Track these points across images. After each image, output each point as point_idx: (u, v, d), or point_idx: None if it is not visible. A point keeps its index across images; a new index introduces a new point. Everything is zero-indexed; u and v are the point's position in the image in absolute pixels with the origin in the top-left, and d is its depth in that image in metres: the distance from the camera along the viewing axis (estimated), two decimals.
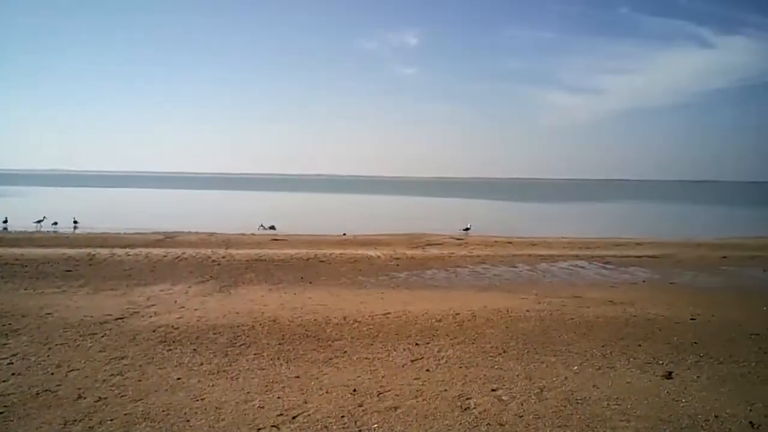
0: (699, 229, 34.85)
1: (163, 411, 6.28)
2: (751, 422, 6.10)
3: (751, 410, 6.43)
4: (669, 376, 7.58)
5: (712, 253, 21.87)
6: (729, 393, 6.97)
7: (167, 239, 23.66)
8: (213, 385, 7.08)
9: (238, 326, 9.83)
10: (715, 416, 6.25)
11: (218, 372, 7.58)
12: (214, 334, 9.36)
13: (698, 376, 7.58)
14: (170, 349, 8.49)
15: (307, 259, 18.31)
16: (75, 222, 31.45)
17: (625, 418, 6.18)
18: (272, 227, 30.65)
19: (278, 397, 6.69)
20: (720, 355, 8.51)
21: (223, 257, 18.34)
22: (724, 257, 20.65)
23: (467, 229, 29.97)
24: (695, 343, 9.13)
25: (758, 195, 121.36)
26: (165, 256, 18.23)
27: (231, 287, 13.63)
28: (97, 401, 6.52)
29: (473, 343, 9.04)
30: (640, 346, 8.96)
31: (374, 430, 5.89)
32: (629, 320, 10.60)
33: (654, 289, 14.37)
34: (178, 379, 7.29)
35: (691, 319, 10.76)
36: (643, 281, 15.77)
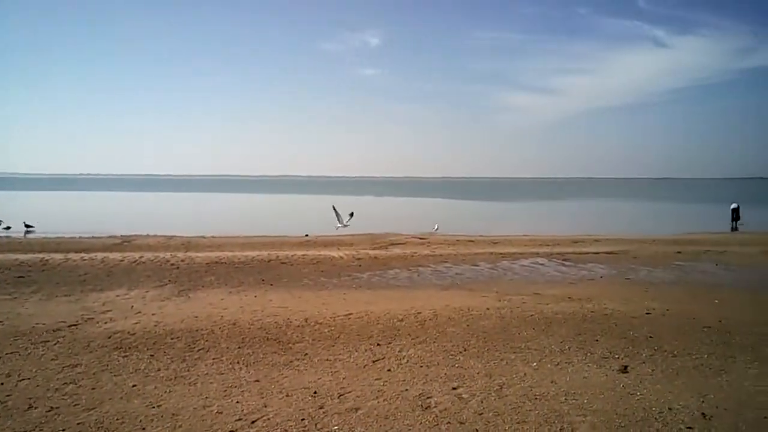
0: (655, 226, 35.71)
1: (117, 419, 6.14)
2: (703, 413, 6.27)
3: (703, 402, 6.61)
4: (625, 370, 7.74)
5: (667, 248, 22.43)
6: (682, 385, 7.16)
7: (125, 243, 23.14)
8: (170, 391, 6.96)
9: (196, 330, 9.68)
10: (669, 408, 6.40)
11: (176, 378, 7.45)
12: (172, 339, 9.20)
13: (653, 370, 7.76)
14: (126, 356, 8.32)
15: (269, 261, 18.14)
16: (29, 226, 30.54)
17: (581, 412, 6.29)
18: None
19: (237, 402, 6.61)
20: (674, 348, 8.73)
21: (183, 260, 18.04)
22: (679, 252, 21.20)
23: (436, 229, 30.01)
24: (650, 337, 9.35)
25: (713, 192, 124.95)
26: (122, 261, 17.83)
27: (190, 291, 13.42)
28: (49, 411, 6.34)
29: (435, 342, 9.08)
30: (597, 341, 9.13)
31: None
32: (587, 316, 10.79)
33: (611, 285, 14.67)
34: (134, 386, 7.14)
35: (647, 313, 11.02)
36: (601, 277, 16.08)
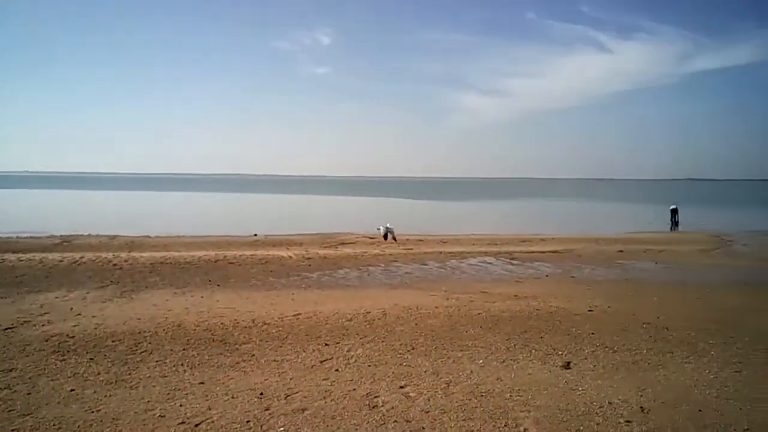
0: (598, 225, 36.70)
1: (54, 425, 5.92)
2: (641, 407, 6.47)
3: (641, 396, 6.83)
4: (568, 366, 7.93)
5: (610, 247, 23.11)
6: (621, 380, 7.37)
7: (65, 243, 22.32)
8: (110, 396, 6.75)
9: (139, 333, 9.42)
10: (609, 403, 6.58)
11: (116, 381, 7.23)
12: (113, 341, 8.93)
13: (594, 365, 7.96)
14: (64, 360, 8.02)
15: (216, 261, 17.82)
16: None
17: (526, 408, 6.40)
18: None
19: (181, 405, 6.46)
20: (614, 344, 8.98)
21: (126, 260, 17.54)
22: (620, 251, 21.87)
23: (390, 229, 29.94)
24: (592, 333, 9.60)
25: (652, 193, 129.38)
26: (61, 261, 17.20)
27: (133, 292, 13.05)
28: None
29: (383, 341, 9.09)
30: (542, 338, 9.32)
31: None
32: (532, 314, 11.00)
33: (556, 283, 15.01)
34: (72, 390, 6.90)
35: (589, 310, 11.31)
36: (547, 276, 16.44)
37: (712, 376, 7.52)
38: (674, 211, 37.35)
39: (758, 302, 12.51)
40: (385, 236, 25.11)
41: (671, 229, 35.02)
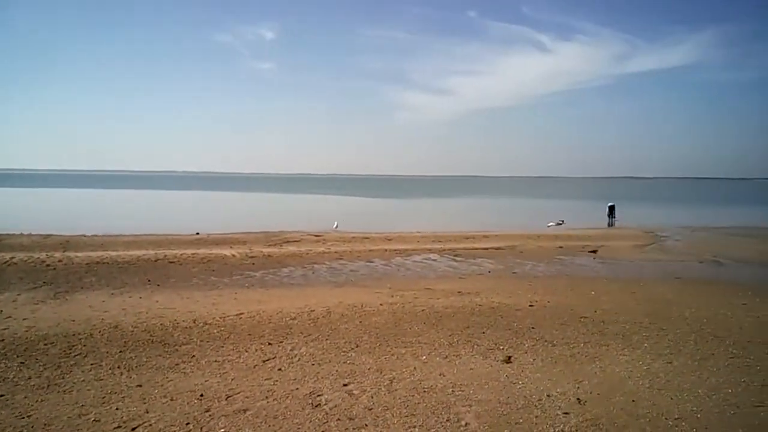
0: (539, 222, 37.54)
1: None
2: (578, 399, 6.66)
3: (578, 388, 7.03)
4: (508, 360, 8.09)
5: (550, 243, 23.71)
6: (560, 373, 7.57)
7: None
8: (42, 401, 6.49)
9: (73, 335, 9.09)
10: (548, 395, 6.75)
11: (49, 386, 6.96)
12: (46, 344, 8.58)
13: (534, 359, 8.15)
14: None
15: (156, 261, 17.36)
16: None
17: (467, 403, 6.49)
18: None
19: (117, 409, 6.27)
20: (554, 338, 9.22)
21: (60, 261, 16.88)
22: (560, 247, 22.47)
23: (336, 227, 29.95)
24: (533, 328, 9.82)
25: (590, 190, 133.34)
26: None
27: (67, 293, 12.59)
28: None
29: (327, 339, 9.06)
30: (484, 333, 9.47)
31: None
32: (475, 309, 11.17)
33: (498, 279, 15.30)
34: (1, 396, 6.62)
35: (530, 305, 11.56)
36: (489, 272, 16.73)
37: (645, 368, 7.80)
38: (611, 208, 38.62)
39: (688, 295, 13.05)
40: None
41: (609, 225, 36.17)
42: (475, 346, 8.73)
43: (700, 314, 10.92)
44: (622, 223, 36.22)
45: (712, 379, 7.36)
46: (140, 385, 7.00)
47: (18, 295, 12.30)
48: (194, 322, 9.98)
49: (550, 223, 27.03)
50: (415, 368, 7.69)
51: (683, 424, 6.02)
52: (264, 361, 7.96)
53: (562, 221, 33.54)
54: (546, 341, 9.04)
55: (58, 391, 6.79)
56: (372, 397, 6.63)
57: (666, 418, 6.15)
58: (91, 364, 7.75)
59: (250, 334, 9.30)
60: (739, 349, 8.64)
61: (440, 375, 7.42)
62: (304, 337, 9.18)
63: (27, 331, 9.33)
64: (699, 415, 6.22)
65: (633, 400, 6.63)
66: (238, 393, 6.75)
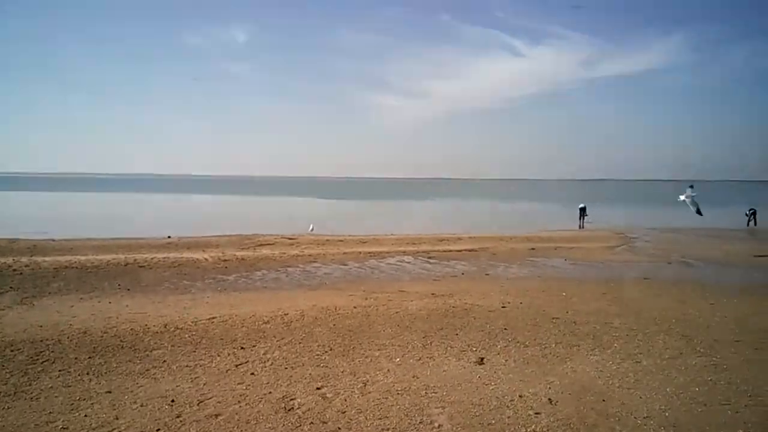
0: (512, 224, 37.88)
1: None
2: (549, 399, 6.73)
3: (550, 388, 7.11)
4: (481, 361, 8.14)
5: (522, 245, 23.93)
6: (532, 373, 7.65)
7: None
8: (9, 408, 6.37)
9: (41, 341, 8.90)
10: (520, 396, 6.81)
11: (15, 393, 6.82)
12: (12, 351, 8.39)
13: (506, 360, 8.22)
14: None
15: (126, 265, 17.09)
16: None
17: (440, 404, 6.52)
18: None
19: (85, 416, 6.16)
20: (526, 338, 9.31)
21: (27, 265, 16.50)
22: (533, 249, 22.69)
23: (311, 230, 29.84)
24: (505, 329, 9.90)
25: (562, 192, 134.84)
26: None
27: (35, 298, 12.34)
28: None
29: (300, 342, 9.02)
30: (457, 335, 9.52)
31: None
32: (449, 311, 11.22)
33: (471, 281, 15.39)
34: None
35: (503, 307, 11.65)
36: (462, 274, 16.82)
37: (615, 367, 7.92)
38: (583, 210, 39.09)
39: (657, 296, 13.28)
40: None
41: (580, 227, 36.61)
42: (449, 348, 8.77)
43: (668, 314, 11.12)
44: (594, 225, 36.71)
45: (680, 378, 7.50)
46: (110, 391, 6.89)
47: None
48: (165, 327, 9.84)
49: (682, 197, 25.78)
50: (388, 370, 7.70)
51: (652, 422, 6.12)
52: (236, 366, 7.89)
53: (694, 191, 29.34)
54: (518, 342, 9.12)
55: (26, 398, 6.65)
56: (345, 400, 6.62)
57: (635, 417, 6.24)
58: (60, 371, 7.61)
59: (222, 339, 9.21)
60: (707, 348, 8.82)
61: (414, 377, 7.44)
62: (277, 340, 9.12)
63: None
64: (667, 414, 6.33)
65: (603, 400, 6.72)
66: (210, 398, 6.69)
